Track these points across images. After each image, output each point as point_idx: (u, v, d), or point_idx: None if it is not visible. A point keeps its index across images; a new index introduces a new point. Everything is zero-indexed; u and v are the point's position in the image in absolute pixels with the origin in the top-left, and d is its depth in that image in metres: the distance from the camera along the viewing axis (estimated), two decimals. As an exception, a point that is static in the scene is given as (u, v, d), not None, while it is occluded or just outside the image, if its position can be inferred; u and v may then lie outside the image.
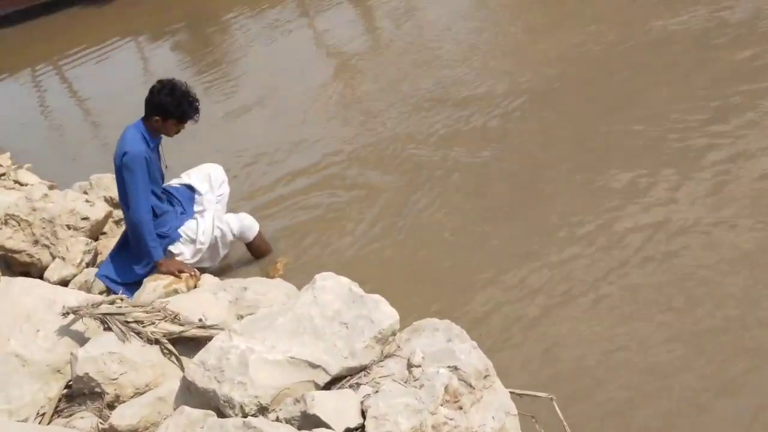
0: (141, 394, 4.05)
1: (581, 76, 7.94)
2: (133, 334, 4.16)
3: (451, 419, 3.38)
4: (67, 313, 4.25)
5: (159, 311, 4.27)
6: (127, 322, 4.19)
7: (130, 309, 4.27)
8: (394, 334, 3.70)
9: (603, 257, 5.39)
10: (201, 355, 3.61)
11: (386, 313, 3.68)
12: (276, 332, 3.63)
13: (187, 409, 3.18)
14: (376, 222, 6.52)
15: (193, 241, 5.94)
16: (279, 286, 5.07)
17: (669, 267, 5.15)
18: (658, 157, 6.24)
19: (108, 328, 4.21)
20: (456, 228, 6.15)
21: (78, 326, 4.33)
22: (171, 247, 5.88)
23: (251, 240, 6.28)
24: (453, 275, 5.57)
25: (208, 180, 6.31)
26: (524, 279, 5.35)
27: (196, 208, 6.12)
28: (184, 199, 6.08)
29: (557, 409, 3.94)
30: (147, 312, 4.25)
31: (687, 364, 4.46)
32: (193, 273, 5.75)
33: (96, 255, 6.55)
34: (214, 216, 6.03)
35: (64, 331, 4.33)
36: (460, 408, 3.46)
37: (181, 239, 5.92)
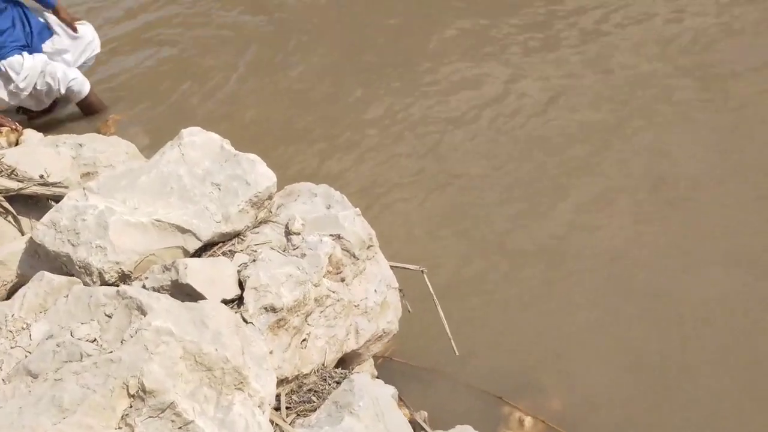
0: (-28, 255, 3.60)
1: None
2: (-37, 189, 3.67)
3: (333, 292, 3.14)
4: None
5: (-7, 165, 3.78)
6: (-44, 176, 3.69)
7: (-40, 161, 3.76)
8: (270, 197, 3.38)
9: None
10: (51, 215, 3.17)
11: (263, 174, 3.34)
12: (139, 192, 3.23)
13: (47, 275, 2.78)
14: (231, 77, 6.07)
15: (10, 81, 5.33)
16: (118, 144, 4.64)
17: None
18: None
19: (-67, 182, 3.70)
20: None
21: None
22: None
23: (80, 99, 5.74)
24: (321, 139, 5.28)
25: (81, 41, 5.63)
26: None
27: (45, 48, 5.46)
28: (36, 31, 5.41)
29: (427, 281, 3.79)
30: (-21, 165, 3.75)
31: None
32: (14, 126, 5.21)
33: None
34: (46, 68, 5.39)
35: None
36: (343, 280, 3.22)
37: None
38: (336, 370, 3.16)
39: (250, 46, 6.36)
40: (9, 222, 3.74)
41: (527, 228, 4.63)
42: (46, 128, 5.65)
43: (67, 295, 2.64)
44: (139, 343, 2.38)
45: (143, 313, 2.50)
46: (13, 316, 2.63)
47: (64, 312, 2.60)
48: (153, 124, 5.67)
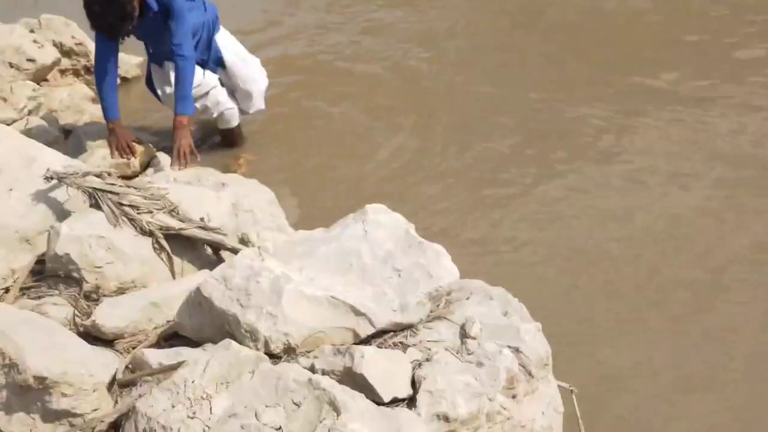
0: (123, 290, 3.47)
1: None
2: (125, 219, 3.54)
3: (505, 409, 2.92)
4: (51, 178, 3.60)
5: (159, 199, 3.65)
6: (121, 204, 3.56)
7: (126, 190, 3.63)
8: (449, 294, 3.18)
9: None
10: (223, 270, 3.01)
11: (447, 269, 3.15)
12: (317, 263, 3.06)
13: (234, 345, 2.61)
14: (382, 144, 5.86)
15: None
16: (260, 191, 4.51)
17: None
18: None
19: (96, 206, 3.58)
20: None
21: (58, 194, 3.68)
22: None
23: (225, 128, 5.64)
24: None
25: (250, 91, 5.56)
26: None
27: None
28: (212, 57, 5.34)
29: (575, 402, 3.55)
30: (146, 198, 3.62)
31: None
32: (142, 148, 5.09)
33: (39, 104, 5.84)
34: (212, 90, 5.27)
35: (42, 196, 3.68)
36: (514, 397, 3.00)
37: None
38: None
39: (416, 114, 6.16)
40: (162, 260, 3.60)
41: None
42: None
43: (253, 372, 2.47)
44: (333, 445, 2.19)
45: (336, 410, 2.32)
46: (193, 382, 2.45)
47: (248, 390, 2.43)
48: (289, 174, 5.51)
